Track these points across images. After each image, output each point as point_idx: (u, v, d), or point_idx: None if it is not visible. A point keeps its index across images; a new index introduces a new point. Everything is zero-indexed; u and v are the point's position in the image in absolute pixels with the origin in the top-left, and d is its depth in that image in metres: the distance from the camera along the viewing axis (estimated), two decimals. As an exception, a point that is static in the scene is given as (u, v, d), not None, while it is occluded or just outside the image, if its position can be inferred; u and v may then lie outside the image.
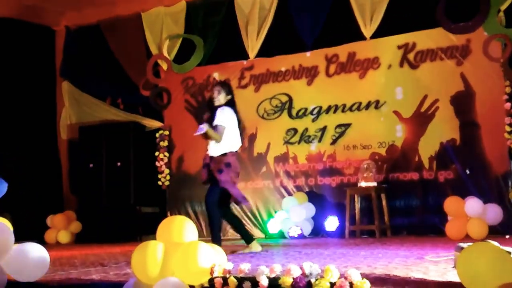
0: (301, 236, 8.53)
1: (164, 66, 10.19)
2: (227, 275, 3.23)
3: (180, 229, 3.48)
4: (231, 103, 6.48)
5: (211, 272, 3.28)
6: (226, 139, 6.33)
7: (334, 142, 8.97)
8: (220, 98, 6.43)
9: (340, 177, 8.90)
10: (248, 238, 6.47)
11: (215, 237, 6.28)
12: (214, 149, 6.37)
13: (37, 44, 10.85)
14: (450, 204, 7.55)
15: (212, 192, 6.34)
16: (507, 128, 7.70)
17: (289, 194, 9.15)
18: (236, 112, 6.49)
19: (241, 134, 6.60)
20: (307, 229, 8.72)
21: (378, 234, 7.98)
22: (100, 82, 10.77)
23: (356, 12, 8.73)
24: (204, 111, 9.66)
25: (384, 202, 8.20)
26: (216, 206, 6.30)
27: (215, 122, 6.29)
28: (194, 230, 3.55)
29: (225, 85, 6.64)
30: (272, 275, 3.11)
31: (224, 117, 6.32)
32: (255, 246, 6.35)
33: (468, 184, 7.91)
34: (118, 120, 10.37)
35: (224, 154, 6.33)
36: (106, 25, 10.68)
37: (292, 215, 8.65)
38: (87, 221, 10.00)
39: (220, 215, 6.41)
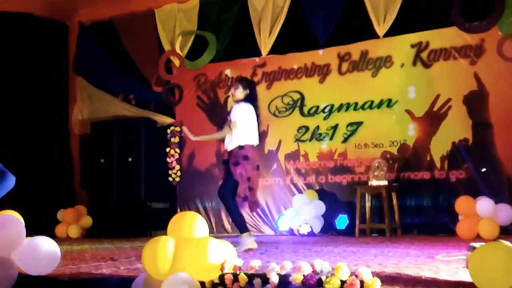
0: (311, 233, 8.53)
1: (177, 62, 10.20)
2: (238, 272, 3.22)
3: (191, 224, 3.47)
4: (249, 98, 6.45)
5: (222, 268, 3.27)
6: (242, 133, 6.33)
7: (345, 140, 8.95)
8: (237, 94, 6.45)
9: (351, 176, 8.88)
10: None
11: (242, 226, 6.30)
12: (230, 143, 6.38)
13: (51, 40, 10.88)
14: (461, 204, 7.52)
15: (226, 183, 6.34)
16: (520, 129, 7.67)
17: (300, 191, 9.15)
18: (255, 106, 6.46)
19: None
20: (317, 226, 8.71)
21: (388, 233, 7.96)
22: (113, 78, 10.80)
23: (370, 10, 8.70)
24: (217, 109, 9.75)
25: (394, 201, 8.17)
26: (231, 197, 6.30)
27: (229, 118, 6.31)
28: (205, 226, 3.55)
29: (243, 81, 6.63)
30: (283, 272, 3.10)
31: (237, 112, 6.31)
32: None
33: (479, 184, 7.88)
34: (129, 116, 10.39)
35: (241, 147, 6.33)
36: (119, 21, 10.71)
37: (302, 212, 8.64)
38: (98, 216, 10.03)
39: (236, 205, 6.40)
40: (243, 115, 6.34)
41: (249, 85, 6.56)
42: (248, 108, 6.40)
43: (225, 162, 6.47)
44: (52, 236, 8.73)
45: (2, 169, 3.77)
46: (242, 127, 6.31)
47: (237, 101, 6.42)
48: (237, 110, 6.33)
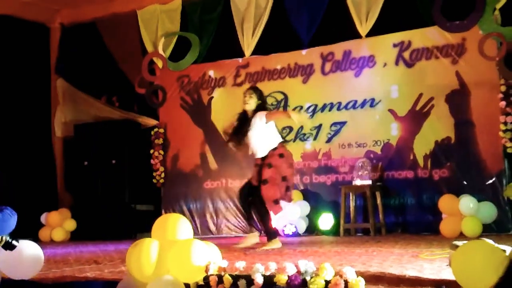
0: (296, 234, 8.54)
1: (160, 63, 10.18)
2: (222, 273, 3.22)
3: (175, 226, 3.47)
4: (261, 109, 6.68)
5: (206, 270, 3.27)
6: (271, 137, 6.57)
7: (329, 140, 8.97)
8: (252, 103, 6.63)
9: (335, 175, 8.90)
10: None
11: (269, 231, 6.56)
12: (262, 150, 6.51)
13: (32, 42, 10.82)
14: (445, 202, 7.57)
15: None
16: (502, 127, 7.72)
17: (284, 192, 9.14)
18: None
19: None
20: (302, 227, 8.72)
21: (373, 232, 7.99)
22: (95, 80, 10.76)
23: (352, 10, 8.73)
24: (200, 110, 9.76)
25: (379, 200, 8.20)
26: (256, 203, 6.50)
27: (261, 123, 6.52)
28: (189, 228, 3.54)
29: (257, 90, 6.85)
30: (267, 273, 3.11)
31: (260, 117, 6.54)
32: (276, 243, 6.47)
33: (462, 183, 7.93)
34: (113, 118, 10.35)
35: (275, 148, 6.47)
36: (101, 23, 10.66)
37: (286, 213, 8.63)
38: (82, 219, 9.99)
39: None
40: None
41: (261, 95, 6.82)
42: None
43: (258, 166, 6.62)
44: (36, 239, 8.69)
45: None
46: (270, 130, 6.55)
47: (253, 110, 6.64)
48: (260, 115, 6.57)
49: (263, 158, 6.63)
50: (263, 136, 6.62)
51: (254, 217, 6.82)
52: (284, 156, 6.56)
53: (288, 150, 6.78)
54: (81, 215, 10.02)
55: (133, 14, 10.34)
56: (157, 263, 3.29)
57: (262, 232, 7.10)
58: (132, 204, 9.80)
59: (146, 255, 3.28)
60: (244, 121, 6.76)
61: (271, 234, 6.62)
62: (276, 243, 6.49)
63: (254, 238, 6.80)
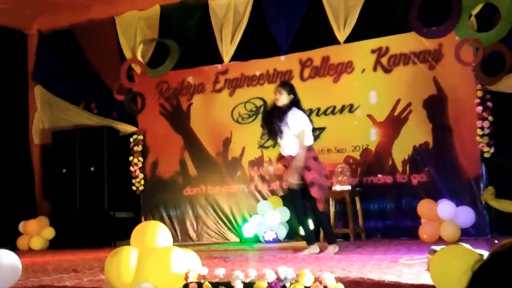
0: (276, 240, 8.54)
1: (138, 70, 10.15)
2: (202, 281, 3.22)
3: (154, 234, 3.46)
4: (295, 103, 6.46)
5: (186, 278, 3.26)
6: (306, 137, 6.36)
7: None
8: (283, 98, 6.42)
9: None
10: (331, 238, 6.51)
11: (331, 234, 6.48)
12: (292, 149, 6.36)
13: (9, 48, 10.74)
14: (423, 207, 7.62)
15: (297, 198, 6.41)
16: (479, 132, 7.80)
17: (264, 198, 9.16)
18: (300, 108, 6.49)
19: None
20: (282, 233, 8.73)
21: (353, 238, 8.02)
22: (74, 86, 10.69)
23: (330, 16, 8.78)
24: (179, 117, 9.73)
25: (358, 206, 8.24)
26: (309, 211, 6.41)
27: (292, 130, 6.30)
28: (168, 235, 3.54)
29: (286, 85, 6.61)
30: (247, 280, 3.11)
31: (296, 119, 6.32)
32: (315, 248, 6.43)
33: (440, 187, 7.99)
34: (91, 125, 10.30)
35: (309, 149, 6.37)
36: (79, 29, 10.60)
37: (267, 219, 8.65)
38: (61, 226, 9.90)
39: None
40: (303, 120, 6.36)
41: (292, 89, 6.54)
42: (302, 113, 6.44)
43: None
44: (14, 248, 8.59)
45: None
46: (306, 131, 6.35)
47: (285, 106, 6.38)
48: (295, 118, 6.31)
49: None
50: (292, 137, 6.41)
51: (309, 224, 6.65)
52: (317, 159, 6.46)
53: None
54: (60, 223, 9.93)
55: (111, 20, 10.31)
56: (136, 271, 3.29)
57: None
58: (111, 211, 9.74)
59: (125, 263, 3.27)
60: (272, 117, 6.50)
61: (333, 237, 6.57)
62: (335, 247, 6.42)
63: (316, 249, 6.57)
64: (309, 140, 6.38)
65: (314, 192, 6.20)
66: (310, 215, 6.54)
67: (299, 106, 6.49)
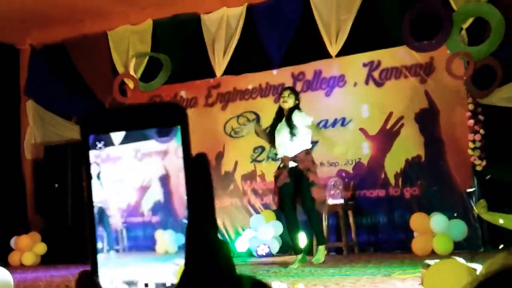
0: (269, 254, 8.52)
1: (131, 84, 10.15)
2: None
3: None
4: (298, 107, 6.88)
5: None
6: (306, 139, 6.72)
7: (301, 159, 8.99)
8: (290, 101, 6.81)
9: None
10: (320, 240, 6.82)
11: (322, 235, 6.78)
12: (294, 148, 6.60)
13: (1, 63, 10.73)
14: (416, 220, 7.63)
15: (307, 196, 6.55)
16: (471, 145, 7.83)
17: (257, 212, 9.15)
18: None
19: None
20: (275, 247, 8.71)
21: (346, 251, 8.01)
22: (66, 101, 10.67)
23: (322, 30, 8.82)
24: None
25: (351, 219, 8.24)
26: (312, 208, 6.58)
27: (303, 127, 6.66)
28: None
29: (295, 91, 7.09)
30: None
31: (304, 117, 6.77)
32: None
33: (433, 200, 8.01)
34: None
35: (308, 152, 6.53)
36: (71, 44, 10.60)
37: (260, 233, 8.64)
38: (53, 242, 9.84)
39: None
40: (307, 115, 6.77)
41: (298, 96, 7.03)
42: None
43: (285, 167, 6.62)
44: (5, 264, 8.53)
45: None
46: (308, 134, 6.70)
47: (291, 108, 6.79)
48: (304, 115, 6.77)
49: (295, 161, 6.61)
50: (299, 135, 6.67)
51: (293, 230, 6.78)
52: (315, 163, 6.79)
53: None
54: (52, 238, 9.88)
55: (103, 35, 10.32)
56: None
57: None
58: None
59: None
60: (280, 120, 6.90)
61: (324, 238, 6.68)
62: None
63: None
64: (308, 142, 6.77)
65: (315, 192, 6.36)
66: (301, 229, 6.65)
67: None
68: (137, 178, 0.81)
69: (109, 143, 0.82)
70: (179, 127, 0.80)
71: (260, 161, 9.26)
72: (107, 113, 0.83)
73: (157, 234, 0.79)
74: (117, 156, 0.81)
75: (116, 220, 0.80)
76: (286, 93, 6.93)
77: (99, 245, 0.80)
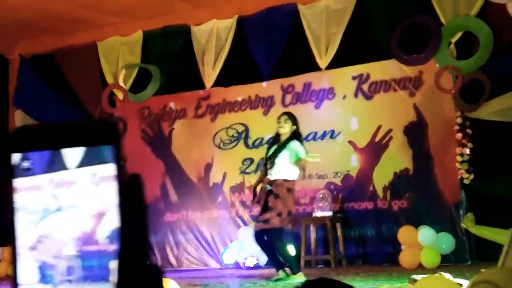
0: (257, 266, 8.50)
1: (120, 95, 10.13)
2: (180, 310, 3.19)
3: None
4: (296, 135, 6.73)
5: (164, 308, 3.23)
6: (292, 169, 6.58)
7: (290, 171, 8.99)
8: (287, 127, 6.68)
9: (296, 207, 8.88)
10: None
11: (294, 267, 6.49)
12: (277, 173, 6.61)
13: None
14: (404, 233, 7.64)
15: (277, 234, 6.52)
16: (459, 158, 7.86)
17: (245, 224, 9.12)
18: (301, 142, 6.77)
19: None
20: (263, 259, 8.68)
21: (334, 264, 8.00)
22: (55, 111, 10.60)
23: (312, 43, 8.84)
24: (161, 142, 9.71)
25: (339, 232, 8.24)
26: (282, 244, 6.50)
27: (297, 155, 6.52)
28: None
29: (291, 116, 6.91)
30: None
31: (299, 148, 6.60)
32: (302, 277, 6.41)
33: (421, 213, 8.02)
34: (72, 150, 10.20)
35: (287, 180, 6.44)
36: (61, 54, 10.57)
37: (248, 245, 8.61)
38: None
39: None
40: (301, 149, 6.62)
41: (295, 121, 6.88)
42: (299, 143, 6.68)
43: (264, 189, 6.67)
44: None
45: None
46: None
47: (286, 135, 6.69)
48: (299, 146, 6.60)
49: (271, 184, 6.60)
50: (286, 163, 6.62)
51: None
52: (292, 192, 6.63)
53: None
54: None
55: (93, 45, 10.31)
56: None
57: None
58: (91, 237, 9.64)
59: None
60: (278, 143, 6.83)
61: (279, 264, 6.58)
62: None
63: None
64: (294, 172, 6.66)
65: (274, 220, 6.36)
66: (289, 241, 6.61)
67: (299, 139, 6.76)
68: (93, 204, 0.77)
69: (62, 166, 0.78)
70: (111, 146, 0.76)
71: (248, 173, 9.25)
72: (31, 130, 0.77)
73: (112, 264, 0.76)
74: (71, 180, 0.78)
75: (69, 249, 0.78)
76: (282, 118, 6.88)
77: (51, 275, 0.77)
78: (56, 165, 0.77)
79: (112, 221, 0.76)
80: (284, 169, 6.62)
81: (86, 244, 0.76)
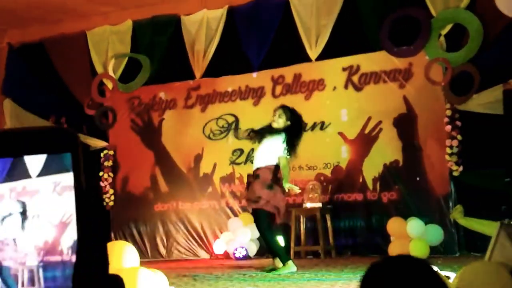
0: (246, 256, 8.51)
1: (110, 85, 10.09)
2: (168, 303, 3.19)
3: (120, 254, 3.42)
4: (289, 130, 6.63)
5: (152, 299, 3.23)
6: (272, 156, 6.50)
7: (280, 162, 8.99)
8: (280, 121, 6.60)
9: (286, 198, 8.90)
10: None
11: (284, 257, 6.40)
12: (258, 162, 6.59)
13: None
14: (393, 224, 7.66)
15: (261, 216, 6.44)
16: (448, 150, 7.88)
17: (235, 215, 9.13)
18: (296, 136, 6.69)
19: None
20: (253, 250, 8.71)
21: (323, 255, 8.02)
22: (44, 101, 10.57)
23: (302, 34, 8.83)
24: (151, 132, 9.69)
25: (329, 223, 8.25)
26: (268, 229, 6.45)
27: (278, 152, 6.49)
28: (135, 256, 3.50)
29: (287, 111, 6.74)
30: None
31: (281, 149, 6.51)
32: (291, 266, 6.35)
33: (410, 205, 8.04)
34: (61, 140, 10.16)
35: (270, 168, 6.50)
36: (50, 43, 10.51)
37: (237, 236, 8.63)
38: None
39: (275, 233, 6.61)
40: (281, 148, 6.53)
41: (292, 115, 6.72)
42: (283, 140, 6.55)
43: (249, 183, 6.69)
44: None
45: None
46: (276, 153, 6.51)
47: (278, 129, 6.59)
48: (279, 143, 6.52)
49: (257, 175, 6.59)
50: (267, 151, 6.58)
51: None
52: (276, 180, 6.56)
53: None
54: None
55: (83, 35, 10.25)
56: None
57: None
58: (80, 227, 9.61)
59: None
60: (267, 130, 6.75)
61: (275, 252, 6.57)
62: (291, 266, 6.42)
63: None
64: (274, 160, 6.57)
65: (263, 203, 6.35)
66: (278, 231, 6.62)
67: (291, 135, 6.63)
68: (56, 214, 0.75)
69: (25, 175, 0.75)
70: (69, 154, 0.74)
71: (239, 164, 9.24)
72: None
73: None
74: (34, 189, 0.76)
75: (32, 259, 0.75)
76: (277, 112, 6.74)
77: (12, 285, 0.74)
78: (18, 173, 0.75)
79: (75, 232, 0.74)
80: (265, 157, 6.59)
81: (49, 254, 0.74)
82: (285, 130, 6.61)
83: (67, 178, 0.73)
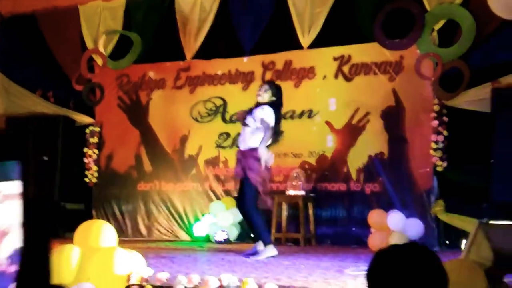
0: (227, 240, 8.52)
1: (99, 61, 10.01)
2: (144, 284, 3.19)
3: (98, 233, 3.42)
4: (274, 105, 6.58)
5: (128, 280, 3.23)
6: (257, 136, 6.42)
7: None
8: (265, 96, 6.55)
9: (269, 184, 8.90)
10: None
11: (266, 237, 6.37)
12: (244, 143, 6.47)
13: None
14: (374, 216, 7.68)
15: (246, 193, 6.40)
16: (433, 145, 7.90)
17: (218, 198, 9.12)
18: (279, 113, 6.65)
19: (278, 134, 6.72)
20: (234, 234, 8.71)
21: (303, 243, 8.05)
22: (32, 73, 10.47)
23: (295, 21, 8.78)
24: (138, 111, 9.64)
25: (310, 211, 8.27)
26: (253, 206, 6.41)
27: (255, 122, 6.43)
28: (113, 235, 3.49)
29: (273, 86, 6.75)
30: (190, 285, 3.09)
31: (268, 114, 6.44)
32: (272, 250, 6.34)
33: (392, 198, 8.07)
34: (47, 113, 10.10)
35: (254, 149, 6.36)
36: (41, 15, 10.39)
37: (219, 219, 8.63)
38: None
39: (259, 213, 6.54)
40: (271, 117, 6.46)
41: (278, 91, 6.68)
42: (272, 112, 6.51)
43: (238, 161, 6.61)
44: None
45: None
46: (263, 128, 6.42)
47: (263, 103, 6.53)
48: (267, 112, 6.44)
49: (242, 154, 6.55)
50: (252, 130, 6.53)
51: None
52: (261, 160, 6.48)
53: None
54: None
55: (75, 9, 10.13)
56: (77, 270, 3.23)
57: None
58: (62, 202, 9.58)
59: (66, 262, 3.22)
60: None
61: (260, 235, 6.55)
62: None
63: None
64: (260, 140, 6.48)
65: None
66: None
67: (277, 110, 6.61)
68: None
69: None
70: (15, 162, 0.72)
71: (224, 147, 9.22)
72: None
73: (12, 286, 0.73)
74: None
75: None
76: (263, 87, 6.72)
77: None
78: None
79: (15, 241, 0.72)
80: (249, 137, 6.55)
81: (-15, 264, 0.71)
82: (270, 104, 6.58)
83: (9, 187, 0.71)
